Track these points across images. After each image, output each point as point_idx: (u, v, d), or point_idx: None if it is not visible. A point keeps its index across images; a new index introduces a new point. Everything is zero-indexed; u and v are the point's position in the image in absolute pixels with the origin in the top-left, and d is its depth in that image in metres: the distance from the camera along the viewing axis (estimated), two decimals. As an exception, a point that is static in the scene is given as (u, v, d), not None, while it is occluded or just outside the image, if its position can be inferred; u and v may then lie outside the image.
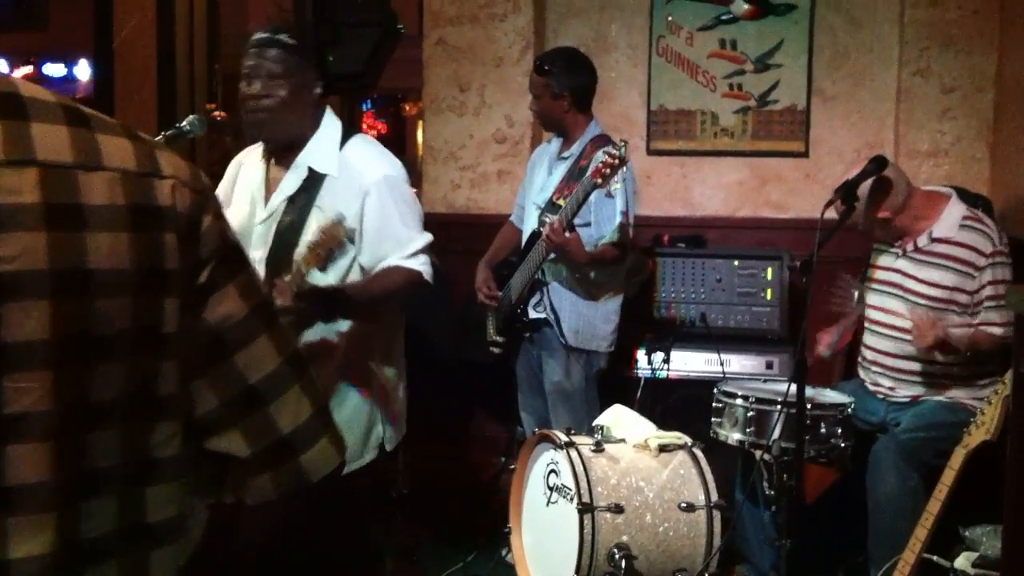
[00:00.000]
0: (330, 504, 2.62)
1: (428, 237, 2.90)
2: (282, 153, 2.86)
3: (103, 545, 1.03)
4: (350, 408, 2.86)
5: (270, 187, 2.88)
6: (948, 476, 3.12)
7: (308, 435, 1.16)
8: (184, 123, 3.18)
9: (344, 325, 2.82)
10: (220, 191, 3.02)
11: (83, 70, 6.69)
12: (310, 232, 2.74)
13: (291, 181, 2.82)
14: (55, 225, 0.97)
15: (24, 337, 0.96)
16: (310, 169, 2.81)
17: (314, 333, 2.75)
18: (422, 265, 2.84)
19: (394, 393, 2.97)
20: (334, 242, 2.57)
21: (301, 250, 2.68)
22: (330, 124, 2.87)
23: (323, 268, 2.63)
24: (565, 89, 4.06)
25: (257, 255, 2.74)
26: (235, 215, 2.87)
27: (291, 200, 2.81)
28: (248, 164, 2.97)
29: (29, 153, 0.98)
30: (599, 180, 3.58)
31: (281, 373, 1.14)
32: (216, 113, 6.09)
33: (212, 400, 1.11)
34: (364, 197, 2.79)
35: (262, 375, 1.13)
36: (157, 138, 3.02)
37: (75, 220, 0.98)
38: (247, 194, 2.91)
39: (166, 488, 1.08)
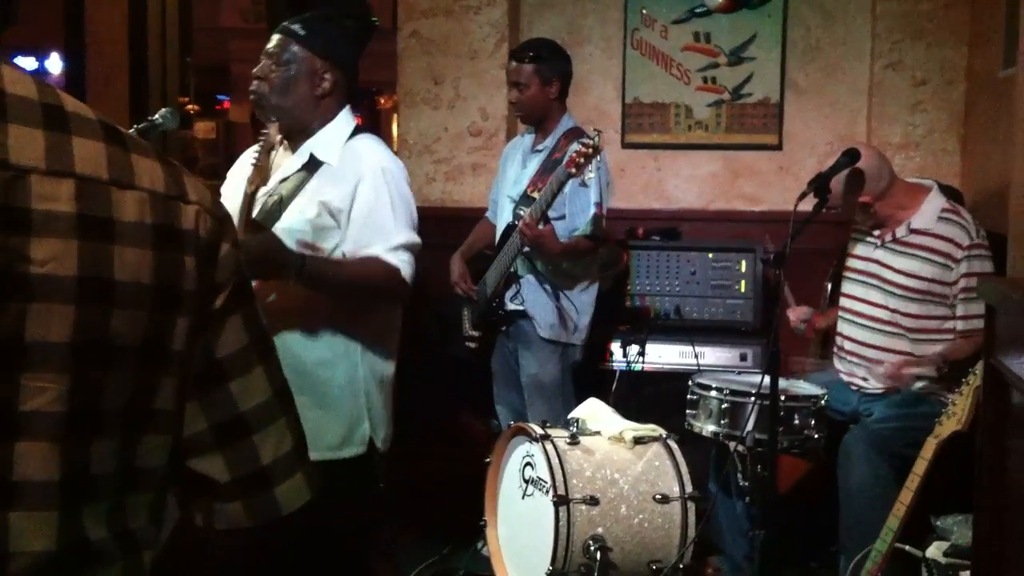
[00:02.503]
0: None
1: (414, 236, 2.85)
2: (293, 139, 2.89)
3: (101, 547, 1.05)
4: (329, 394, 2.81)
5: (271, 154, 2.92)
6: (920, 466, 3.15)
7: (286, 468, 1.20)
8: (157, 116, 3.16)
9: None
10: (229, 175, 3.05)
11: (54, 63, 6.64)
12: (295, 210, 2.76)
13: (291, 164, 2.84)
14: (87, 235, 1.01)
15: (46, 338, 1.00)
16: (311, 156, 2.82)
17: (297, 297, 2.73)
18: (402, 262, 2.79)
19: (385, 389, 2.93)
20: (269, 146, 2.63)
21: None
22: (344, 120, 2.88)
23: (266, 180, 2.66)
24: (555, 75, 4.08)
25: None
26: (233, 196, 2.89)
27: (284, 180, 2.82)
28: (255, 155, 2.99)
29: (68, 165, 1.02)
30: (573, 170, 3.58)
31: (270, 405, 1.19)
32: (189, 106, 6.06)
33: (202, 422, 1.14)
34: (358, 182, 2.78)
35: (253, 405, 1.17)
36: (130, 131, 3.02)
37: (106, 233, 1.03)
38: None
39: (148, 497, 1.11)
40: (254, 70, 2.85)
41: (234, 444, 1.16)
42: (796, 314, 3.92)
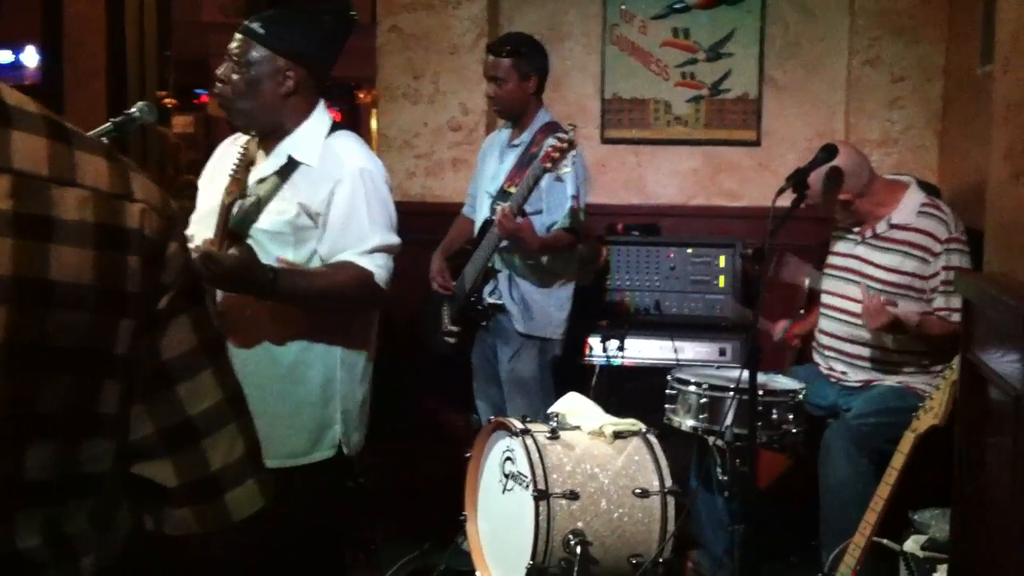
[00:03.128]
0: (277, 502, 2.62)
1: (392, 238, 2.83)
2: (264, 137, 2.85)
3: (34, 555, 1.03)
4: (303, 397, 2.81)
5: (241, 157, 2.88)
6: (898, 460, 3.16)
7: (237, 474, 1.17)
8: (134, 109, 3.14)
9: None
10: (205, 169, 3.03)
11: (31, 57, 6.59)
12: (273, 211, 2.74)
13: (269, 165, 2.81)
14: (23, 234, 0.98)
15: None
16: (289, 157, 2.80)
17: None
18: (377, 266, 2.76)
19: (359, 392, 2.92)
20: (249, 160, 2.60)
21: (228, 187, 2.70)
22: (320, 118, 2.85)
23: (244, 193, 2.63)
24: (534, 70, 4.08)
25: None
26: (211, 193, 2.87)
27: (261, 182, 2.80)
28: (233, 148, 2.96)
29: (6, 161, 0.99)
30: (548, 165, 3.59)
31: (220, 409, 1.15)
32: (167, 100, 6.03)
33: (149, 427, 1.11)
34: (335, 185, 2.75)
35: (201, 409, 1.14)
36: (106, 124, 3.01)
37: (43, 231, 0.99)
38: (226, 175, 2.89)
39: (90, 503, 1.08)
40: (217, 72, 2.81)
41: (182, 449, 1.13)
42: (775, 330, 3.95)
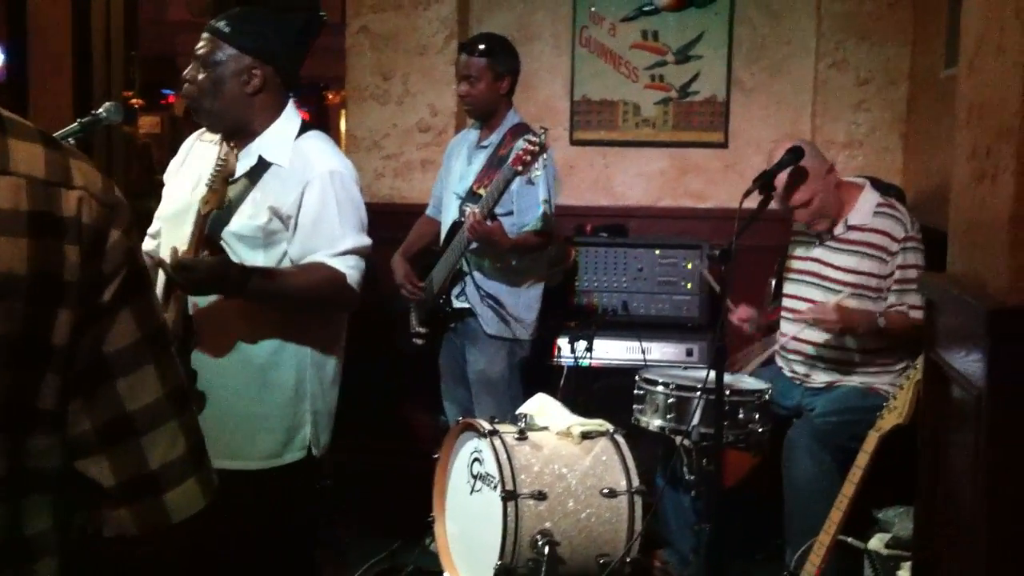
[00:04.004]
0: (249, 504, 2.61)
1: (363, 240, 2.82)
2: (232, 137, 2.83)
3: None
4: (275, 398, 2.80)
5: (217, 166, 2.85)
6: (862, 459, 3.19)
7: (175, 474, 1.14)
8: (101, 110, 3.13)
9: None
10: (171, 165, 3.01)
11: (-5, 55, 6.56)
12: (244, 215, 2.73)
13: (239, 166, 2.80)
14: None
15: None
16: (260, 157, 2.78)
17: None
18: (349, 268, 2.76)
19: (329, 393, 2.91)
20: (227, 171, 2.55)
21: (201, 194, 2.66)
22: (289, 117, 2.84)
23: (221, 205, 2.60)
24: (507, 70, 4.08)
25: (189, 230, 2.70)
26: (178, 189, 2.86)
27: (232, 183, 2.78)
28: (203, 142, 2.95)
29: None
30: (520, 168, 3.59)
31: (160, 406, 1.12)
32: (133, 100, 5.99)
33: (86, 422, 1.08)
34: (305, 187, 2.74)
35: (140, 405, 1.11)
36: (73, 125, 2.99)
37: None
38: (194, 170, 2.88)
39: (43, 500, 1.05)
40: (184, 73, 2.81)
41: (120, 446, 1.10)
42: (739, 315, 3.95)
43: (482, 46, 4.09)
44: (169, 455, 1.13)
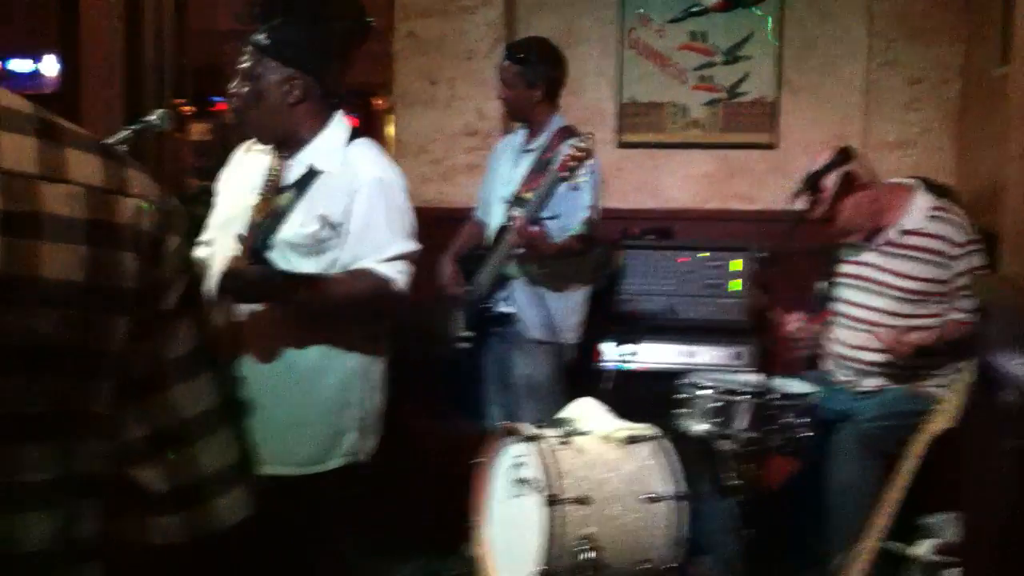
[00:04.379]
0: (292, 510, 2.62)
1: (411, 246, 2.85)
2: (282, 147, 2.87)
3: (39, 560, 1.01)
4: (320, 404, 2.82)
5: (270, 176, 2.89)
6: (908, 464, 3.13)
7: (226, 481, 1.15)
8: (153, 117, 3.17)
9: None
10: (223, 174, 3.05)
11: (49, 65, 6.61)
12: (296, 223, 2.76)
13: (289, 175, 2.83)
14: (11, 231, 0.97)
15: None
16: (310, 166, 2.81)
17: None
18: (397, 273, 2.78)
19: (375, 398, 2.92)
20: (277, 183, 2.59)
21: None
22: (338, 125, 2.87)
23: (272, 214, 2.66)
24: (540, 79, 4.06)
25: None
26: (231, 199, 2.90)
27: (283, 191, 2.82)
28: (254, 152, 2.98)
29: None
30: (565, 173, 3.58)
31: (215, 413, 1.13)
32: (184, 108, 6.06)
33: (141, 428, 1.09)
34: (354, 195, 2.77)
35: (196, 412, 1.11)
36: (124, 132, 3.03)
37: (32, 229, 0.98)
38: (246, 180, 2.91)
39: (92, 504, 1.06)
40: (229, 87, 2.85)
41: (174, 453, 1.11)
42: (790, 325, 3.90)
43: (519, 54, 4.09)
44: (221, 462, 1.14)
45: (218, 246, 2.85)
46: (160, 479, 1.11)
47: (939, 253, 3.64)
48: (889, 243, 3.73)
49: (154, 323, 1.07)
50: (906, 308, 3.67)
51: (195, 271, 1.14)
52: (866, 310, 3.74)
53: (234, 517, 1.15)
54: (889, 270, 3.72)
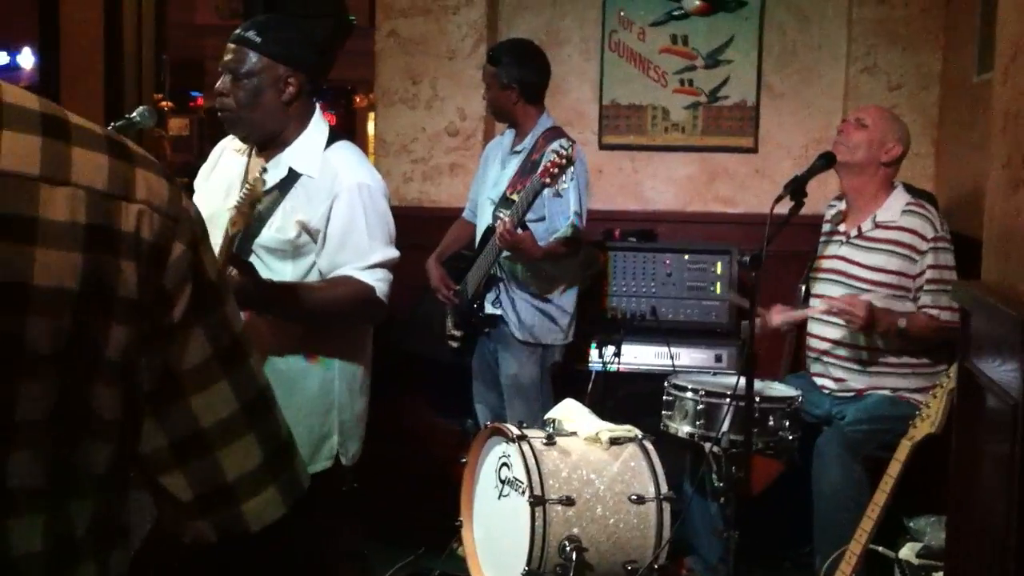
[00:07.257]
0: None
1: (392, 253, 2.82)
2: (264, 147, 2.83)
3: (31, 562, 0.99)
4: (302, 408, 2.79)
5: (248, 177, 2.85)
6: (894, 468, 3.16)
7: (253, 484, 1.13)
8: (134, 114, 3.15)
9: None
10: (202, 169, 3.01)
11: (27, 58, 6.55)
12: (274, 227, 2.73)
13: (269, 177, 2.79)
14: (6, 236, 0.94)
15: None
16: (290, 169, 2.78)
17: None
18: (377, 280, 2.76)
19: (357, 402, 2.91)
20: (255, 195, 2.52)
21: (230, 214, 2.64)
22: (317, 126, 2.84)
23: (248, 227, 2.59)
24: (513, 81, 4.07)
25: (217, 238, 2.69)
26: (209, 198, 2.86)
27: (265, 194, 2.79)
28: (231, 150, 2.95)
29: None
30: (547, 180, 3.59)
31: (235, 420, 1.11)
32: (163, 103, 6.03)
33: (160, 439, 1.08)
34: (334, 200, 2.74)
35: (215, 421, 1.09)
36: (106, 129, 3.00)
37: (27, 233, 0.95)
38: (224, 179, 2.88)
39: (92, 508, 1.04)
40: (216, 86, 2.80)
41: (195, 462, 1.09)
42: (774, 317, 3.91)
43: (496, 56, 4.10)
44: (245, 467, 1.12)
45: None
46: (184, 487, 1.10)
47: (909, 247, 3.70)
48: (861, 235, 3.78)
49: (161, 335, 1.05)
50: (877, 302, 3.70)
51: (206, 277, 1.09)
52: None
53: (267, 518, 1.15)
54: (859, 263, 3.77)
